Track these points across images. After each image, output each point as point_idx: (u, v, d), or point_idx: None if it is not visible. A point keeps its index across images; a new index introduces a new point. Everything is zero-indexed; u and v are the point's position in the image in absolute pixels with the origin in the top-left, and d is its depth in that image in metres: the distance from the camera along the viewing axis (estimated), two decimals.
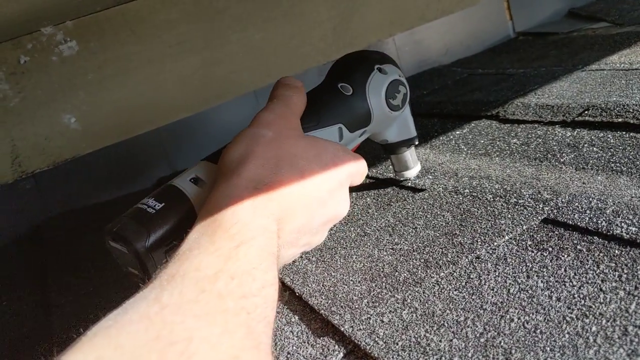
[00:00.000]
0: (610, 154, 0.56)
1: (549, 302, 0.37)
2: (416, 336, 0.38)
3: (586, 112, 0.67)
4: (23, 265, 0.77)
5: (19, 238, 0.86)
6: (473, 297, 0.40)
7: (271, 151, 0.44)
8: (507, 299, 0.39)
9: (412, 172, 0.63)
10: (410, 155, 0.63)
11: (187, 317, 0.28)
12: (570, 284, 0.38)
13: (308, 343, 0.41)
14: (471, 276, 0.43)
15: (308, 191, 0.43)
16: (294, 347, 0.41)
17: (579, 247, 0.42)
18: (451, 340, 0.36)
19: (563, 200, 0.49)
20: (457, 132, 0.78)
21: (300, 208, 0.43)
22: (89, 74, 0.88)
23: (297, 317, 0.45)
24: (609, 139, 0.59)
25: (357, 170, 0.49)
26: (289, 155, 0.44)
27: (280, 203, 0.41)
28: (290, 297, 0.48)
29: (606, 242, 0.42)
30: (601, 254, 0.40)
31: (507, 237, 0.46)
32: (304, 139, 0.47)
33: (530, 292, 0.39)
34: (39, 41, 0.84)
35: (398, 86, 0.57)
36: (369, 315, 0.41)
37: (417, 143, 0.62)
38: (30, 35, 0.83)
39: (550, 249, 0.43)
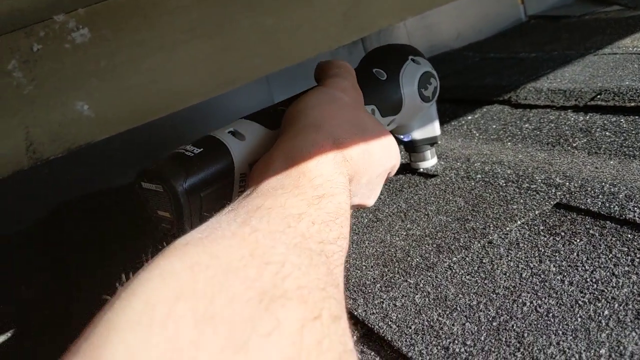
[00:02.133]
0: (622, 138, 0.56)
1: (562, 286, 0.37)
2: (429, 320, 0.38)
3: (598, 96, 0.66)
4: (42, 249, 0.79)
5: (36, 223, 0.87)
6: (485, 282, 0.40)
7: (347, 115, 0.45)
8: (520, 283, 0.39)
9: (429, 164, 0.64)
10: (430, 152, 0.63)
11: (277, 243, 0.28)
12: (583, 268, 0.39)
13: None
14: (483, 261, 0.43)
15: (372, 162, 0.44)
16: None
17: (591, 231, 0.42)
18: (464, 324, 0.37)
19: (575, 184, 0.49)
20: (469, 117, 0.77)
21: (364, 175, 0.44)
22: (101, 61, 0.88)
23: None
24: (621, 124, 0.59)
25: (397, 163, 0.50)
26: (361, 122, 0.45)
27: (352, 165, 0.42)
28: None
29: (619, 226, 0.42)
30: (614, 239, 0.41)
31: (519, 222, 0.47)
32: (369, 113, 0.49)
33: (542, 276, 0.39)
34: (52, 29, 0.85)
35: (430, 78, 0.58)
36: (382, 300, 0.42)
37: (439, 143, 0.63)
38: (42, 23, 0.83)
39: (562, 233, 0.43)
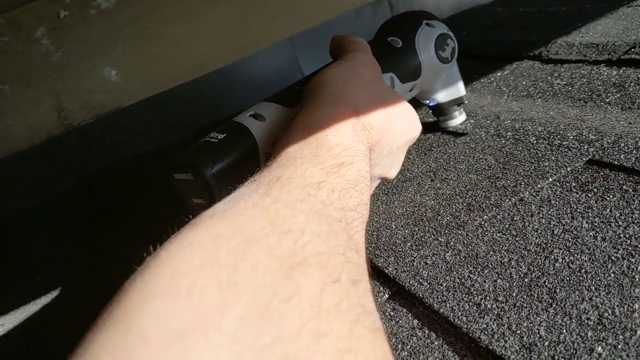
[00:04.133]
0: None
1: (594, 242, 0.37)
2: (460, 277, 0.38)
3: (632, 49, 0.65)
4: (74, 215, 0.80)
5: (68, 190, 0.89)
6: (517, 239, 0.40)
7: (368, 88, 0.45)
8: (552, 240, 0.39)
9: (458, 121, 0.63)
10: (458, 111, 0.63)
11: (297, 212, 0.29)
12: (616, 224, 0.38)
13: None
14: (515, 218, 0.43)
15: (393, 132, 0.45)
16: None
17: (624, 187, 0.42)
18: (495, 281, 0.37)
19: (608, 140, 0.48)
20: (498, 74, 0.76)
21: (386, 145, 0.44)
22: (126, 26, 0.88)
23: None
24: None
25: (418, 134, 0.50)
26: (382, 95, 0.46)
27: (372, 134, 0.42)
28: None
29: None
30: None
31: (550, 179, 0.46)
32: (389, 86, 0.50)
33: (574, 232, 0.39)
34: None
35: (446, 39, 0.57)
36: (412, 258, 0.42)
37: (466, 102, 0.62)
38: None
39: (595, 190, 0.43)
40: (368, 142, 0.41)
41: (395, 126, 0.45)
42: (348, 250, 0.29)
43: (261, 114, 0.48)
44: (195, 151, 0.45)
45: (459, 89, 0.61)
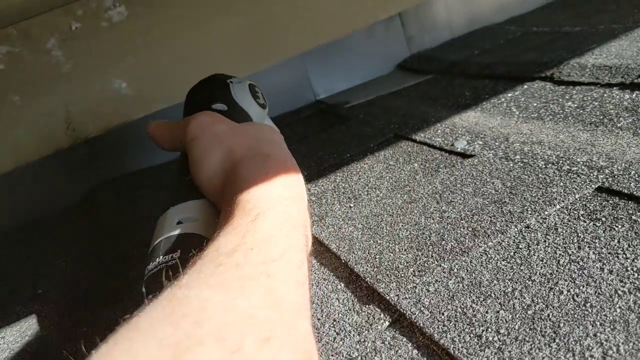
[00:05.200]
0: None
1: (601, 274, 0.36)
2: (462, 306, 0.37)
3: None
4: (80, 228, 0.80)
5: (75, 202, 0.89)
6: (521, 268, 0.39)
7: (242, 135, 0.49)
8: (557, 271, 0.38)
9: None
10: None
11: (202, 289, 0.29)
12: (624, 256, 0.37)
13: (353, 310, 0.41)
14: (520, 246, 0.42)
15: (288, 156, 0.49)
16: (340, 315, 0.41)
17: (634, 217, 0.41)
18: (498, 312, 0.36)
19: (619, 167, 0.47)
20: (509, 95, 0.75)
21: (294, 173, 0.46)
22: (137, 38, 0.89)
23: (342, 285, 0.45)
24: None
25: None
26: (253, 132, 0.50)
27: (279, 169, 0.43)
28: (336, 264, 0.49)
29: None
30: None
31: (558, 206, 0.45)
32: (242, 124, 0.54)
33: (581, 263, 0.38)
34: (89, 7, 0.85)
35: (255, 87, 0.61)
36: (414, 284, 0.41)
37: None
38: (80, 1, 0.84)
39: (603, 219, 0.42)
40: (281, 182, 0.42)
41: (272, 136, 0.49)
42: (263, 309, 0.28)
43: (189, 217, 0.47)
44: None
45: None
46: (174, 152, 0.55)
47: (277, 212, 0.37)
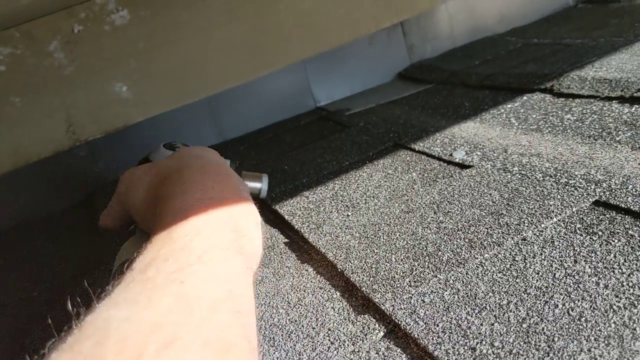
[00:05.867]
0: None
1: (596, 289, 0.36)
2: (457, 318, 0.37)
3: None
4: (78, 230, 0.80)
5: (74, 204, 0.89)
6: (517, 281, 0.39)
7: (168, 159, 0.49)
8: (553, 284, 0.38)
9: None
10: None
11: (107, 308, 0.29)
12: (620, 270, 0.37)
13: (349, 320, 0.41)
14: (516, 258, 0.42)
15: (212, 163, 0.49)
16: (335, 324, 0.41)
17: (630, 232, 0.41)
18: (492, 324, 0.36)
19: (616, 181, 0.47)
20: (509, 106, 0.75)
21: (217, 176, 0.47)
22: (139, 42, 0.89)
23: (338, 294, 0.45)
24: None
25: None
26: (178, 154, 0.51)
27: (196, 176, 0.44)
28: (332, 273, 0.49)
29: None
30: None
31: (555, 219, 0.45)
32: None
33: (576, 277, 0.38)
34: (92, 10, 0.85)
35: (171, 143, 0.65)
36: (410, 295, 0.41)
37: None
38: (83, 4, 0.84)
39: (600, 233, 0.42)
40: (190, 176, 0.43)
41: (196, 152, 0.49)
42: (170, 314, 0.28)
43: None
44: None
45: None
46: (128, 223, 0.54)
47: (196, 216, 0.37)
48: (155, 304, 0.29)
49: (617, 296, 0.35)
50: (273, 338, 0.42)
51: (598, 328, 0.33)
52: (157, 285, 0.30)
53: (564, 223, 0.44)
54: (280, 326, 0.43)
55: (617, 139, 0.56)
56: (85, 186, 0.91)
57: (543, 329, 0.34)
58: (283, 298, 0.47)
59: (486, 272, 0.41)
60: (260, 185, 0.65)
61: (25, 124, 0.85)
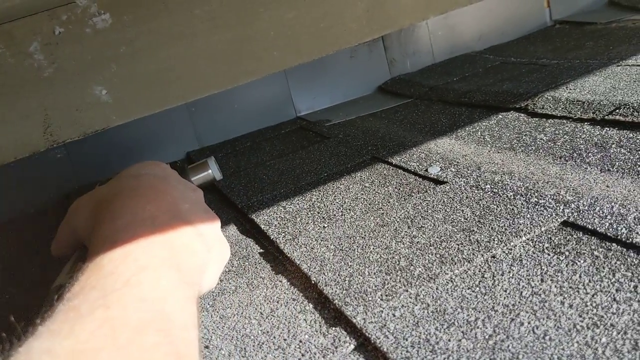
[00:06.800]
0: (637, 156, 0.55)
1: (561, 308, 0.37)
2: (426, 333, 0.38)
3: (617, 110, 0.66)
4: (53, 233, 0.80)
5: (49, 207, 0.88)
6: (485, 297, 0.40)
7: (112, 180, 0.49)
8: (519, 302, 0.39)
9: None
10: None
11: (31, 341, 0.28)
12: (584, 291, 0.38)
13: (320, 332, 0.42)
14: (485, 275, 0.43)
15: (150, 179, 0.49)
16: (306, 336, 0.42)
17: (596, 253, 0.42)
18: (460, 340, 0.37)
19: (585, 203, 0.49)
20: (484, 123, 0.77)
21: (154, 193, 0.47)
22: (121, 46, 0.89)
23: (311, 306, 0.46)
24: (637, 141, 0.59)
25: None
26: (122, 173, 0.51)
27: (129, 198, 0.44)
28: (306, 285, 0.49)
29: (624, 249, 0.41)
30: (618, 262, 0.40)
31: (524, 238, 0.46)
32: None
33: (543, 296, 0.39)
34: (74, 13, 0.85)
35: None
36: (381, 309, 0.42)
37: None
38: (65, 6, 0.84)
39: (567, 252, 0.43)
40: (119, 200, 0.43)
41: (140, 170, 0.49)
42: (92, 340, 0.28)
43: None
44: None
45: None
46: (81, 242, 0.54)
47: (126, 240, 0.37)
48: (77, 332, 0.29)
49: (580, 316, 0.36)
50: (244, 349, 0.42)
51: (561, 347, 0.34)
52: (81, 313, 0.30)
53: (532, 242, 0.46)
54: (252, 337, 0.44)
55: (587, 160, 0.58)
56: (61, 188, 0.91)
57: (508, 346, 0.35)
58: (256, 309, 0.48)
59: (456, 288, 0.42)
60: (209, 171, 0.66)
61: (1, 124, 0.84)
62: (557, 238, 0.45)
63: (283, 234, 0.58)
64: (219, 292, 0.52)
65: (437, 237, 0.50)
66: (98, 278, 0.34)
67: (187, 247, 0.41)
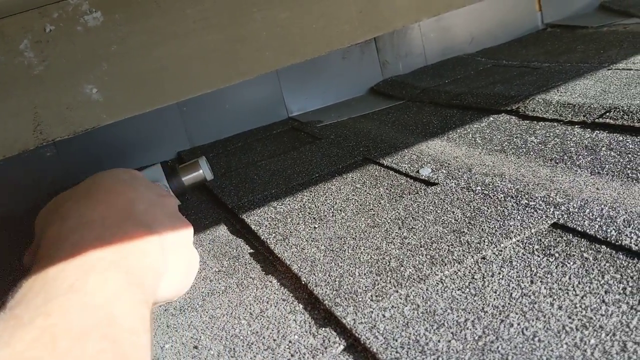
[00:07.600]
0: (627, 159, 0.56)
1: (550, 309, 0.37)
2: (416, 334, 0.38)
3: (607, 113, 0.66)
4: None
5: (38, 205, 0.88)
6: (475, 299, 0.40)
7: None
8: (509, 303, 0.39)
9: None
10: None
11: None
12: (574, 292, 0.38)
13: (310, 333, 0.42)
14: (475, 277, 0.43)
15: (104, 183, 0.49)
16: (296, 337, 0.42)
17: (585, 255, 0.42)
18: (449, 341, 0.37)
19: (575, 205, 0.49)
20: (475, 126, 0.77)
21: (101, 196, 0.46)
22: (112, 45, 0.88)
23: (301, 306, 0.46)
24: (627, 144, 0.59)
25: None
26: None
27: (77, 201, 0.44)
28: (296, 285, 0.49)
29: (614, 252, 0.42)
30: (607, 264, 0.40)
31: (514, 239, 0.46)
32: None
33: (532, 297, 0.39)
34: (65, 10, 0.85)
35: None
36: (371, 309, 0.42)
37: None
38: (56, 4, 0.84)
39: (556, 254, 0.43)
40: (68, 203, 0.43)
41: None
42: (33, 348, 0.28)
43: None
44: None
45: None
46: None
47: (70, 243, 0.36)
48: (15, 341, 0.28)
49: (570, 317, 0.36)
50: (234, 349, 0.42)
51: (550, 348, 0.34)
52: (22, 322, 0.30)
53: (522, 244, 0.46)
54: (242, 337, 0.43)
55: (578, 163, 0.58)
56: (50, 186, 0.90)
57: (498, 347, 0.35)
58: (246, 309, 0.47)
59: (446, 289, 0.42)
60: (200, 171, 0.66)
61: None
62: (547, 240, 0.45)
63: (274, 235, 0.58)
64: (208, 293, 0.52)
65: (427, 238, 0.50)
66: (42, 284, 0.33)
67: (138, 248, 0.40)
